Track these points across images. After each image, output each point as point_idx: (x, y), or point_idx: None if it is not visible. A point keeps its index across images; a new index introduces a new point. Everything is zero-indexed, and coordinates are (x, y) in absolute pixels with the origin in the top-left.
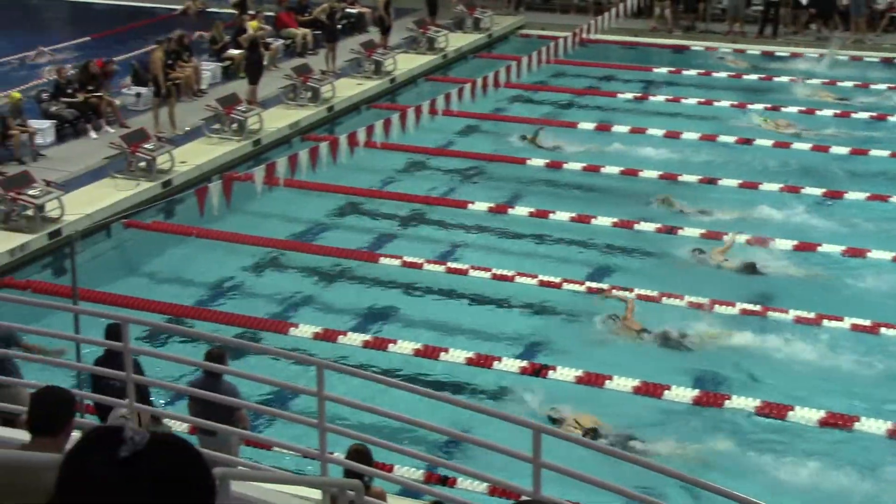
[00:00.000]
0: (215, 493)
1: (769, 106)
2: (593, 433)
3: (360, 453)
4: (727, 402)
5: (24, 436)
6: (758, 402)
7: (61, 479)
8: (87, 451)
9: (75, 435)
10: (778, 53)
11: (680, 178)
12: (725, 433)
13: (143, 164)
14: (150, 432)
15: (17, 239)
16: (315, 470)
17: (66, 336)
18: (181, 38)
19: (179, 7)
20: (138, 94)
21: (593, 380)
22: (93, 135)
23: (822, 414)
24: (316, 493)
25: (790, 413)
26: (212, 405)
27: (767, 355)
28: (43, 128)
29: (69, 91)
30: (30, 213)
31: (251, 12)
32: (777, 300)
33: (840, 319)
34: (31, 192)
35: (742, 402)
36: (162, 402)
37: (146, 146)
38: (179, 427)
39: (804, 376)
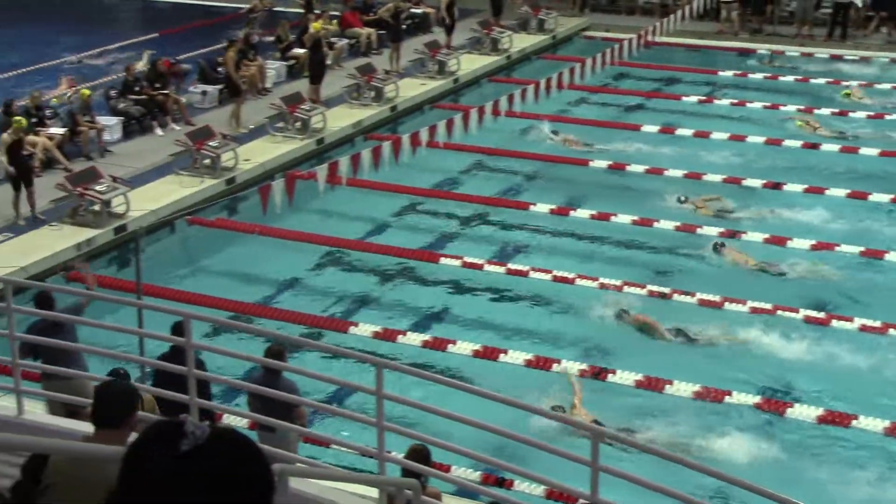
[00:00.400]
0: (274, 488)
1: (836, 111)
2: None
3: (419, 453)
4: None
5: (88, 428)
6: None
7: (123, 473)
8: (148, 445)
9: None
10: (847, 57)
11: (744, 183)
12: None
13: (207, 161)
14: (211, 427)
15: (84, 234)
16: (372, 468)
17: (129, 330)
18: (247, 37)
19: (246, 6)
20: (204, 92)
21: (653, 384)
22: (159, 132)
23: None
24: (373, 492)
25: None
26: (271, 402)
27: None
28: (110, 124)
29: (137, 88)
30: (96, 208)
31: (316, 12)
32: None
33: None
34: (97, 187)
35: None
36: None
37: (211, 143)
38: (239, 423)
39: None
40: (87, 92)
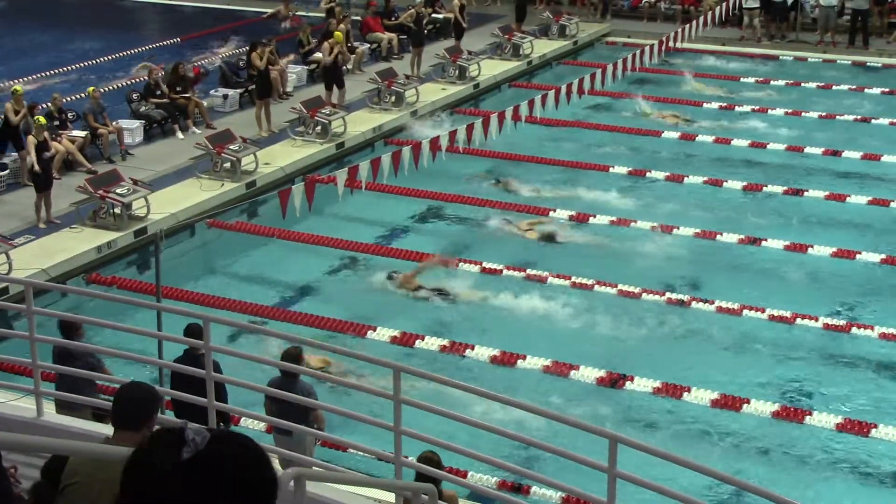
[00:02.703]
0: (277, 489)
1: (858, 118)
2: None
3: (430, 461)
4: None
5: (108, 430)
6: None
7: (125, 482)
8: (149, 453)
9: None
10: (870, 63)
11: (765, 189)
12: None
13: (227, 164)
14: (210, 431)
15: (105, 236)
16: (389, 473)
17: (148, 333)
18: (269, 40)
19: (268, 10)
20: (225, 96)
21: (671, 391)
22: (180, 135)
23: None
24: (389, 497)
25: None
26: (288, 405)
27: None
28: (132, 128)
29: (158, 92)
30: (117, 211)
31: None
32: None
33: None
34: (118, 190)
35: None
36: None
37: (231, 147)
38: (256, 426)
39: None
40: (93, 88)
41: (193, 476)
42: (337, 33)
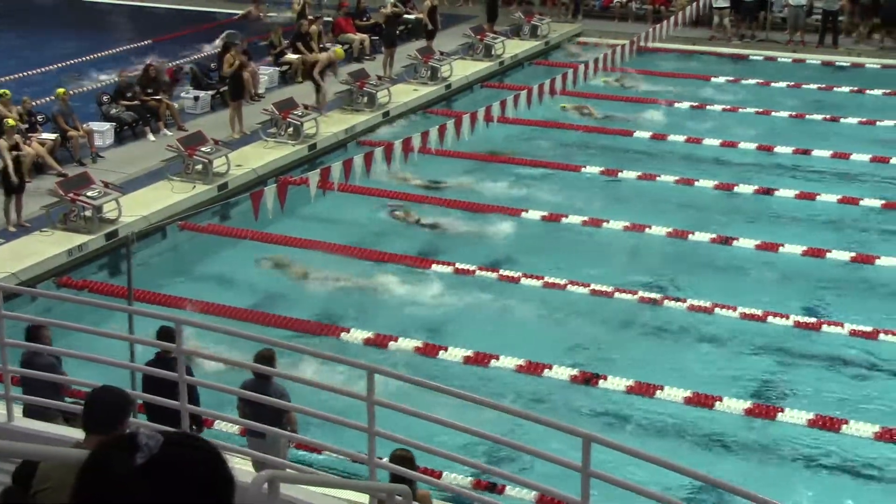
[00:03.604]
0: (234, 487)
1: (828, 117)
2: None
3: (403, 459)
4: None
5: (79, 434)
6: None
7: (77, 492)
8: (101, 461)
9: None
10: (839, 63)
11: (736, 189)
12: None
13: (199, 166)
14: (163, 434)
15: (76, 239)
16: (362, 474)
17: (120, 336)
18: (241, 41)
19: (239, 12)
20: (196, 98)
21: (644, 390)
22: (151, 137)
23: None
24: (363, 498)
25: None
26: (262, 407)
27: None
28: (102, 130)
29: (129, 94)
30: (88, 213)
31: (310, 17)
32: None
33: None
34: (89, 193)
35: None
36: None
37: (203, 149)
38: (229, 428)
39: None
40: (62, 91)
41: (148, 480)
42: (338, 50)
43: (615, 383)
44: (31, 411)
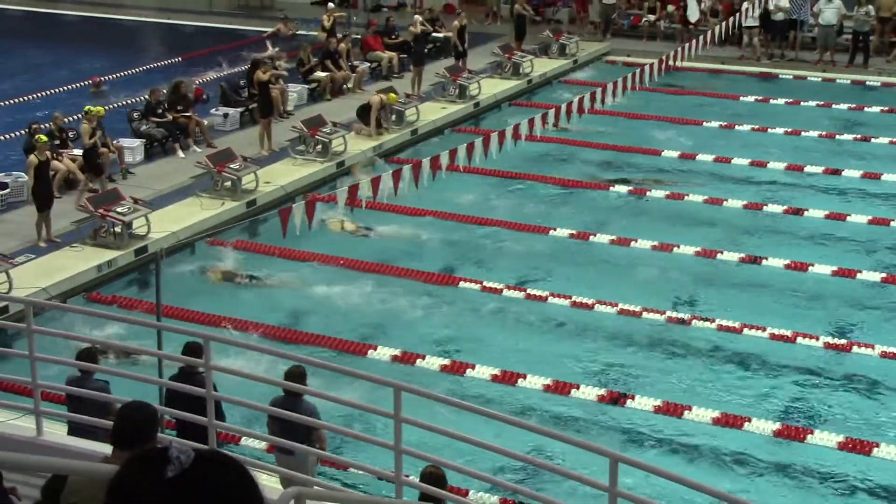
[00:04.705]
0: None
1: (858, 136)
2: None
3: (434, 476)
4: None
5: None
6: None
7: (109, 501)
8: (133, 473)
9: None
10: (869, 83)
11: (765, 209)
12: None
13: (228, 183)
14: (196, 450)
15: (105, 255)
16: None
17: (148, 352)
18: (270, 59)
19: (268, 30)
20: (226, 115)
21: (672, 410)
22: (180, 154)
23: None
24: None
25: None
26: (291, 424)
27: None
28: (133, 146)
29: (159, 111)
30: (117, 229)
31: (338, 35)
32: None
33: None
34: (119, 209)
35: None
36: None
37: (232, 166)
38: (258, 445)
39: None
40: (101, 110)
41: (178, 495)
42: (392, 96)
43: (643, 403)
44: (75, 430)
